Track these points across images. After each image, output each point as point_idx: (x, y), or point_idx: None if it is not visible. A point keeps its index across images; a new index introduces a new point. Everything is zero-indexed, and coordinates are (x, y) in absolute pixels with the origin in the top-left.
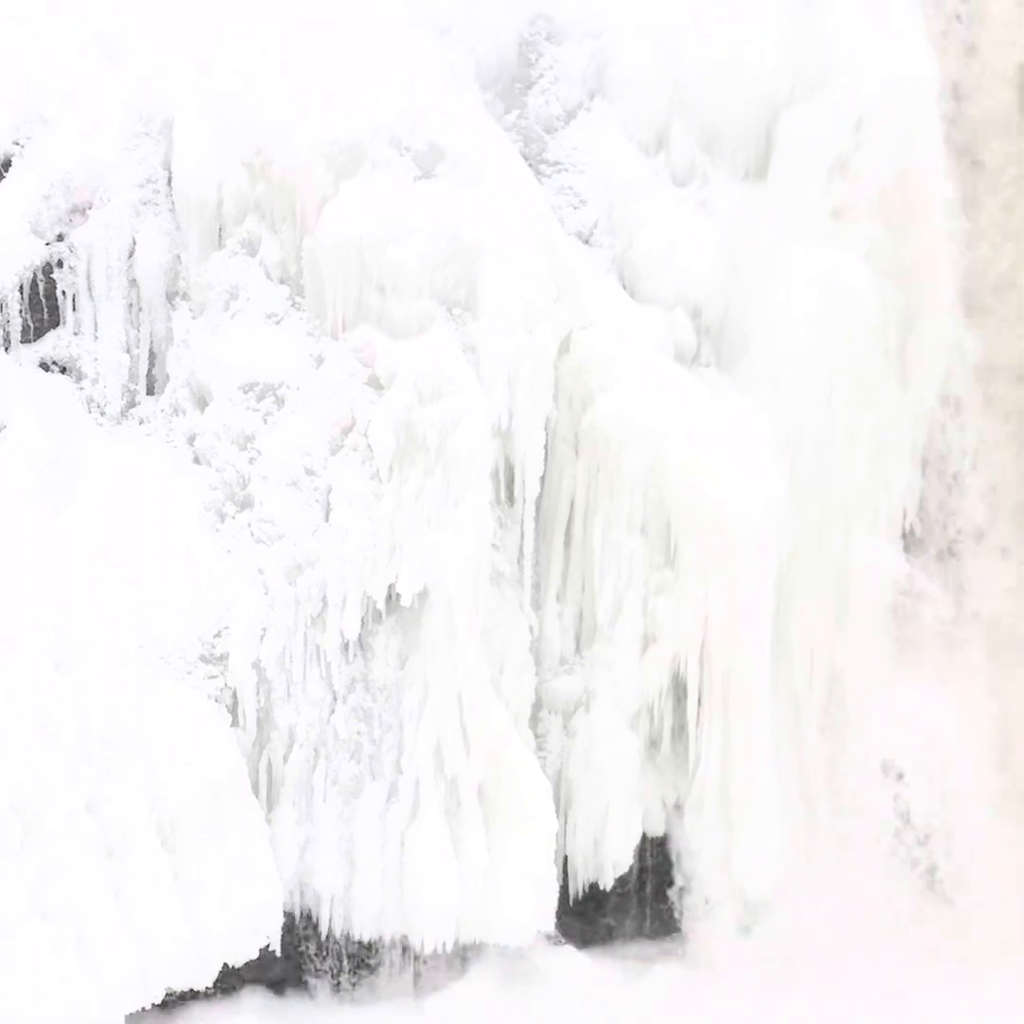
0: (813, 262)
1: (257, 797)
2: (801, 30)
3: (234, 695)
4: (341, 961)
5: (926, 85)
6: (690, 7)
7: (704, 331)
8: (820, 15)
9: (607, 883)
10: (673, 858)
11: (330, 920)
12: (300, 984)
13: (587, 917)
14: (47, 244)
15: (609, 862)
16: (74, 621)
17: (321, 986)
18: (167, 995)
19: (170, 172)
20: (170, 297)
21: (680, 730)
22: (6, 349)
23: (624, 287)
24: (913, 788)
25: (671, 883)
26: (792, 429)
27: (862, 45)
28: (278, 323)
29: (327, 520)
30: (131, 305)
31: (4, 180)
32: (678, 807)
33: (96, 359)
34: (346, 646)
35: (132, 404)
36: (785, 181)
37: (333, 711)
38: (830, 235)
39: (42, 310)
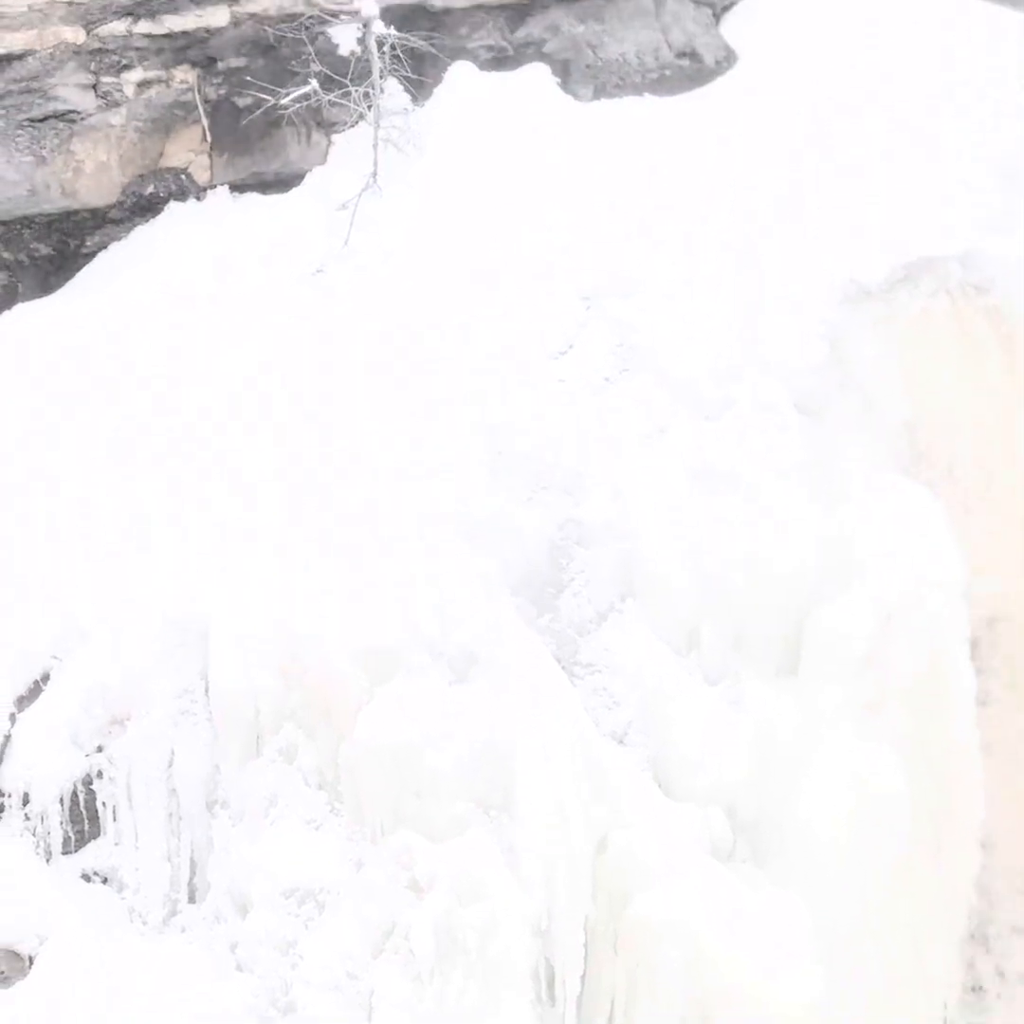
0: (845, 761)
1: None
2: (827, 528)
3: None
4: None
5: (953, 581)
6: (716, 509)
7: (740, 827)
8: (845, 513)
9: None
10: None
11: None
12: None
13: None
14: (87, 755)
15: None
16: None
17: None
18: None
19: (207, 681)
20: (210, 805)
21: None
22: (47, 860)
23: (659, 785)
24: None
25: None
26: (829, 922)
27: (887, 543)
28: (317, 829)
29: (370, 1022)
30: (171, 814)
31: (44, 693)
32: None
33: (137, 869)
34: None
35: (173, 913)
36: (816, 677)
37: None
38: (861, 728)
39: (83, 821)
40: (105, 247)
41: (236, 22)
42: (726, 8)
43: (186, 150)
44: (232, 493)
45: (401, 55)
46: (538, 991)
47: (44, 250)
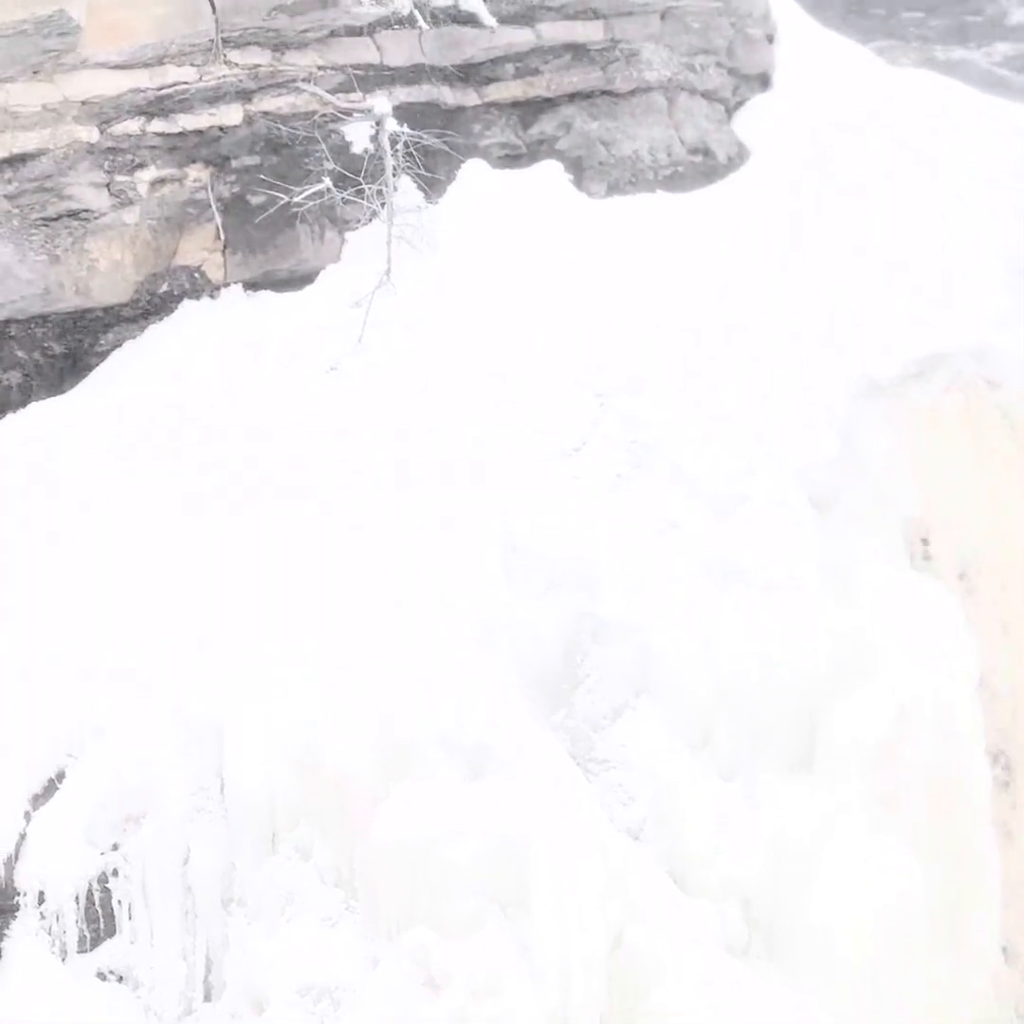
0: (860, 857)
1: None
2: (841, 624)
3: None
4: None
5: (967, 675)
6: (730, 605)
7: (755, 923)
8: (858, 609)
9: None
10: None
11: None
12: None
13: None
14: (102, 853)
15: None
16: None
17: None
18: None
19: (222, 779)
20: (225, 903)
21: None
22: (63, 959)
23: (674, 881)
24: None
25: None
26: (844, 1020)
27: (901, 638)
28: (333, 926)
29: None
30: (186, 912)
31: (59, 791)
32: None
33: (152, 967)
34: None
35: (189, 1011)
36: (830, 772)
37: None
38: (876, 823)
39: (98, 919)
40: (119, 345)
41: (249, 120)
42: (738, 104)
43: (200, 248)
44: (247, 592)
45: (414, 153)
46: None
47: (58, 349)
